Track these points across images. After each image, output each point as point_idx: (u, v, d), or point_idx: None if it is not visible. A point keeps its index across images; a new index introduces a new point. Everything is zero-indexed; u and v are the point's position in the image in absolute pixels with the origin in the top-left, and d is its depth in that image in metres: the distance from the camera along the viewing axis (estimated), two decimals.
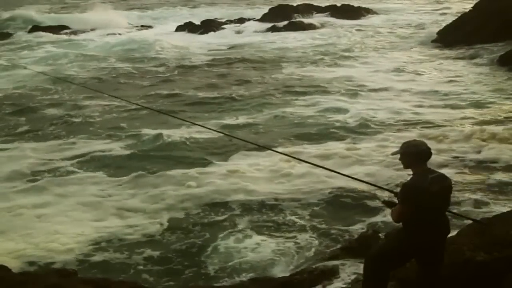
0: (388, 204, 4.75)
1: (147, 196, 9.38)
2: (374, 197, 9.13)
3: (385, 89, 15.66)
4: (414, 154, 4.52)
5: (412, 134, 11.44)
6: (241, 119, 13.36)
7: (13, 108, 15.08)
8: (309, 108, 14.08)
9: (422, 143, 4.60)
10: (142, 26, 31.65)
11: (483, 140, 11.18)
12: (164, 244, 7.96)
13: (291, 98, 15.12)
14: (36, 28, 30.24)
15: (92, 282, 5.78)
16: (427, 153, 4.55)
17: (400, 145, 4.73)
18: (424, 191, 4.43)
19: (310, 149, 11.22)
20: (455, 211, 6.05)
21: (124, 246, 7.87)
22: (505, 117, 12.82)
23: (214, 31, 28.70)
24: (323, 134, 12.16)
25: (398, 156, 4.68)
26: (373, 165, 10.22)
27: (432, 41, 22.74)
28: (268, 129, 12.60)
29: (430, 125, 12.46)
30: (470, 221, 6.02)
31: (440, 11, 31.92)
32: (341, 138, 11.83)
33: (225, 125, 12.86)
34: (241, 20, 31.69)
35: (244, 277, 6.89)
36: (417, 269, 4.80)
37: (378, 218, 8.24)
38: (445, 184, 4.56)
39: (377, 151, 10.86)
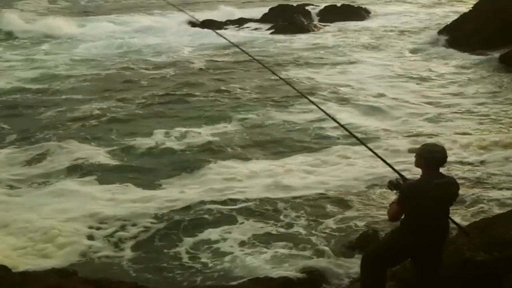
0: (393, 185, 4.71)
1: (144, 198, 9.39)
2: (374, 197, 9.15)
3: (382, 94, 15.48)
4: (426, 159, 4.53)
5: (406, 142, 11.43)
6: (235, 123, 13.27)
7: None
8: (303, 113, 13.90)
9: (440, 151, 4.58)
10: None
11: (483, 148, 11.08)
12: (161, 244, 7.97)
13: (286, 102, 14.97)
14: None
15: (92, 282, 5.79)
16: (441, 161, 4.55)
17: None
18: (423, 194, 4.44)
19: (304, 155, 11.20)
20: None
21: (122, 246, 7.88)
22: (505, 123, 12.69)
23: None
24: (316, 140, 12.06)
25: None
26: (368, 169, 10.22)
27: (432, 42, 22.71)
28: (262, 134, 12.54)
29: (426, 132, 12.33)
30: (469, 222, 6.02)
31: (442, 13, 31.88)
32: (333, 145, 11.71)
33: (218, 129, 12.83)
34: (241, 20, 31.65)
35: (244, 277, 6.89)
36: (413, 269, 4.82)
37: (378, 218, 8.24)
38: (449, 191, 4.57)
39: (371, 158, 10.78)
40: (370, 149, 5.44)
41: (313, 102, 6.38)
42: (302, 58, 20.88)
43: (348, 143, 11.67)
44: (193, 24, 29.92)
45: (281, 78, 6.47)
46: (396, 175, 4.82)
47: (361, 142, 5.68)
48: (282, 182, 9.81)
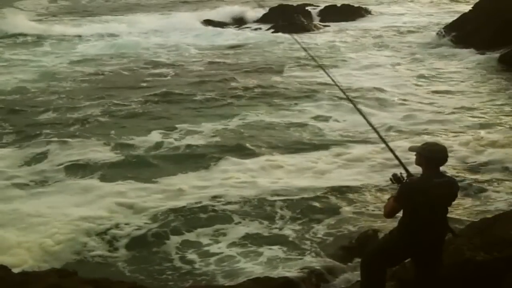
0: (396, 179, 4.69)
1: (142, 197, 9.39)
2: (373, 196, 9.15)
3: (380, 93, 15.47)
4: (427, 158, 4.52)
5: (405, 140, 11.44)
6: (235, 123, 13.25)
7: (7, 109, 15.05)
8: (301, 113, 13.94)
9: (441, 150, 4.56)
10: None
11: (481, 146, 11.11)
12: (157, 244, 7.97)
13: (286, 102, 14.98)
14: None
15: (92, 282, 5.77)
16: (442, 161, 4.54)
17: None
18: (422, 193, 4.43)
19: (303, 154, 11.21)
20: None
21: (120, 246, 7.89)
22: (504, 122, 12.68)
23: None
24: (314, 140, 12.06)
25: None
26: (366, 168, 10.25)
27: (432, 41, 22.73)
28: (258, 134, 12.51)
29: (425, 130, 12.36)
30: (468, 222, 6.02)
31: (442, 12, 31.88)
32: (332, 144, 11.72)
33: (218, 129, 12.82)
34: (241, 20, 31.65)
35: (244, 277, 6.89)
36: (414, 269, 4.82)
37: (378, 218, 8.24)
38: (449, 191, 4.56)
39: (368, 157, 10.78)
40: (387, 145, 5.35)
41: (352, 102, 6.23)
42: (303, 58, 20.84)
43: (346, 141, 11.79)
44: (195, 24, 29.99)
45: (332, 80, 6.28)
46: (401, 170, 4.78)
47: (381, 137, 5.55)
48: (280, 182, 9.82)
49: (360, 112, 5.50)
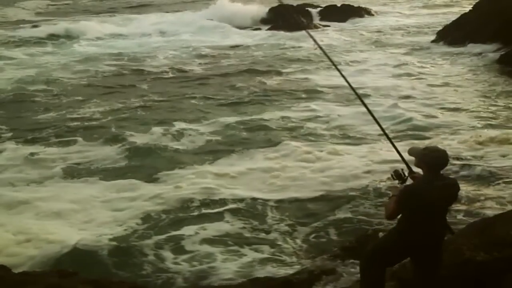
0: (397, 176, 4.66)
1: (141, 196, 9.41)
2: (372, 196, 9.14)
3: (380, 93, 15.48)
4: (427, 164, 4.50)
5: (404, 139, 11.45)
6: (232, 122, 13.27)
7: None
8: (300, 112, 13.97)
9: (441, 156, 4.50)
10: None
11: (480, 144, 11.12)
12: (157, 244, 7.97)
13: (285, 101, 15.00)
14: None
15: (92, 282, 5.78)
16: (442, 165, 4.51)
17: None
18: (423, 197, 4.42)
19: (301, 153, 11.20)
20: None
21: (120, 246, 7.88)
22: (502, 120, 12.72)
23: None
24: (312, 139, 12.07)
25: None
26: (364, 167, 10.23)
27: (432, 42, 22.75)
28: (257, 133, 12.57)
29: (424, 130, 12.39)
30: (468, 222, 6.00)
31: (442, 13, 31.89)
32: (330, 143, 11.76)
33: (217, 128, 12.87)
34: (241, 21, 31.63)
35: (244, 277, 6.89)
36: (413, 269, 4.81)
37: (378, 218, 8.24)
38: (450, 193, 4.54)
39: (366, 156, 10.77)
40: (391, 142, 5.31)
41: (361, 100, 6.23)
42: (303, 58, 20.90)
43: (345, 140, 11.86)
44: (196, 23, 30.02)
45: (344, 78, 6.31)
46: (403, 166, 4.76)
47: (385, 134, 5.51)
48: (276, 180, 9.84)
49: (368, 109, 5.52)
